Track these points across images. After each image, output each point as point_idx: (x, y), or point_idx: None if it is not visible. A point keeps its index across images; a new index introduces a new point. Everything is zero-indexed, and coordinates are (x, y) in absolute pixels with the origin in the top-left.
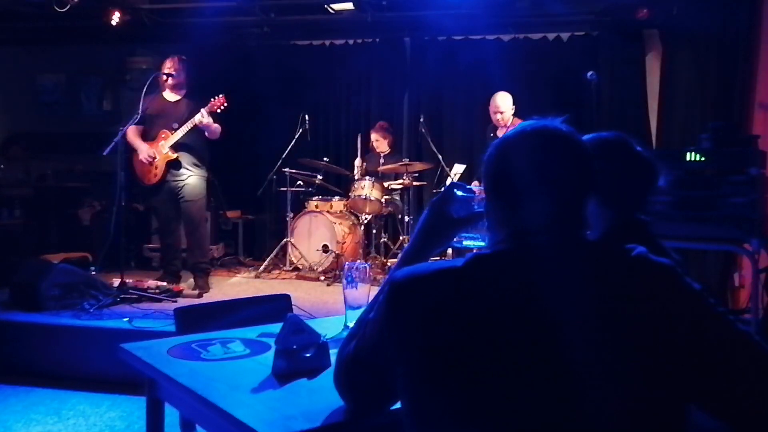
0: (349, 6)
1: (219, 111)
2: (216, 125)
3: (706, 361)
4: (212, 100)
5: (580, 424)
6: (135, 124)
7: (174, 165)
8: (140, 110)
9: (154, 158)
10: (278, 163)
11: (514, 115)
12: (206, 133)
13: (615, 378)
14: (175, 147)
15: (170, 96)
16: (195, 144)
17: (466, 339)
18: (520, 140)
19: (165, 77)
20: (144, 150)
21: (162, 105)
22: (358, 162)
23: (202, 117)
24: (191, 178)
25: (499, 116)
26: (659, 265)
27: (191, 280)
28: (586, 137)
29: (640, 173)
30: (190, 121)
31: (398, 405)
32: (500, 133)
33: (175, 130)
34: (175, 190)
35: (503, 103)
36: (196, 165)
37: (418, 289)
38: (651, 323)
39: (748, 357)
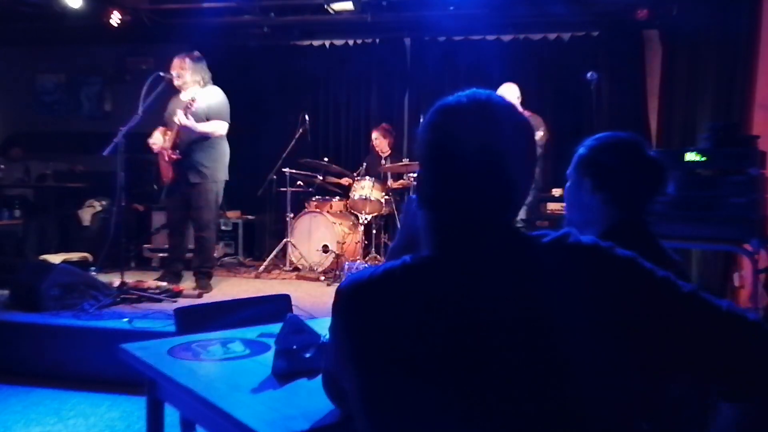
0: (349, 6)
1: (188, 114)
2: (206, 126)
3: (653, 326)
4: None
5: (539, 420)
6: (160, 126)
7: (183, 168)
8: (140, 110)
9: (166, 155)
10: (278, 164)
11: (522, 105)
12: (201, 133)
13: (573, 368)
14: (184, 150)
15: (184, 95)
16: (204, 149)
17: (413, 345)
18: (455, 108)
19: (169, 78)
20: (157, 144)
21: (175, 105)
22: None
23: (179, 119)
24: (202, 183)
25: None
26: (586, 246)
27: (192, 281)
28: (601, 135)
29: (651, 176)
30: (174, 122)
31: None
32: None
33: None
34: (185, 195)
35: (506, 93)
36: (206, 170)
37: (362, 296)
38: (600, 305)
39: (695, 315)
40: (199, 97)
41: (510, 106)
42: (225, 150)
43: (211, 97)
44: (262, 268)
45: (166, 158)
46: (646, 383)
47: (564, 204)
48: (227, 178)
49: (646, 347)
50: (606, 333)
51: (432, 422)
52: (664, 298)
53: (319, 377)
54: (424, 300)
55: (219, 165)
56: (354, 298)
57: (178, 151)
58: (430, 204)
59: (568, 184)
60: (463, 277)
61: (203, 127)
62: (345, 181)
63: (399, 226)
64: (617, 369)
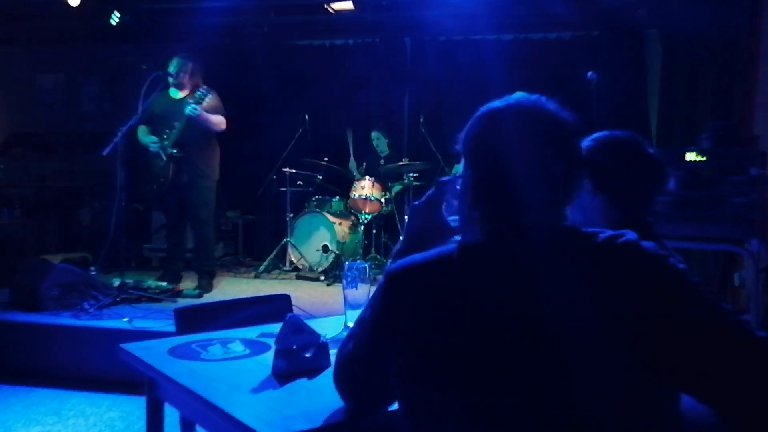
0: (349, 6)
1: (205, 101)
2: (216, 117)
3: (693, 345)
4: (196, 93)
5: (574, 413)
6: (142, 124)
7: (181, 167)
8: (140, 110)
9: (163, 156)
10: (278, 163)
11: None
12: (210, 126)
13: (607, 367)
14: (181, 148)
15: (175, 94)
16: (202, 148)
17: (460, 330)
18: (503, 114)
19: (169, 77)
20: (154, 144)
21: (166, 104)
22: (351, 164)
23: (193, 109)
24: (199, 181)
25: None
26: (645, 251)
27: (194, 281)
28: (598, 135)
29: (650, 174)
30: (183, 118)
31: (395, 405)
32: None
33: (175, 128)
34: (183, 193)
35: None
36: (203, 169)
37: (414, 279)
38: (639, 310)
39: (735, 340)
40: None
41: (548, 112)
42: (218, 150)
43: (209, 96)
44: (262, 268)
45: (164, 157)
46: (667, 393)
47: None
48: (218, 179)
49: (674, 359)
50: (637, 337)
51: (468, 403)
52: (705, 315)
53: (319, 377)
54: (472, 284)
55: (215, 165)
56: (406, 280)
57: (177, 149)
58: (474, 199)
59: None
60: (506, 267)
61: (214, 119)
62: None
63: (403, 228)
64: (640, 374)
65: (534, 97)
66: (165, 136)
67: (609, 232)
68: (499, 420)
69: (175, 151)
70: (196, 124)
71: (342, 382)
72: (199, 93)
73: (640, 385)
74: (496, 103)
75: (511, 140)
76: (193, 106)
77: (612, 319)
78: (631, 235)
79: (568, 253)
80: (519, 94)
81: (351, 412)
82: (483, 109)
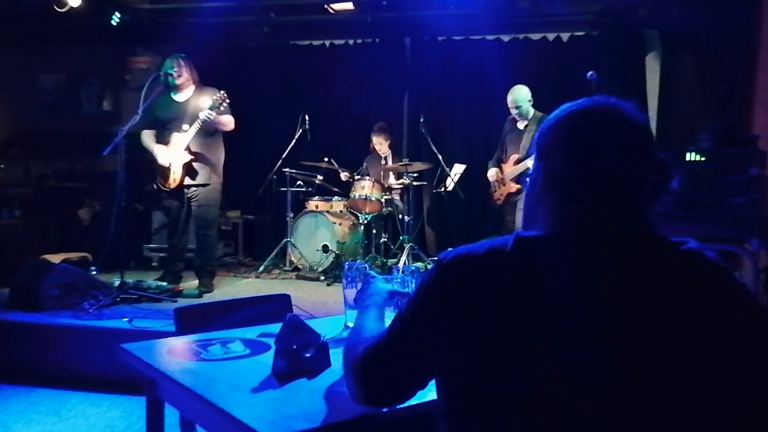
0: (349, 6)
1: (222, 107)
2: (226, 117)
3: (743, 361)
4: (213, 98)
5: (619, 415)
6: (145, 128)
7: (190, 170)
8: (140, 110)
9: (170, 164)
10: (278, 164)
11: (534, 107)
12: (220, 127)
13: (651, 371)
14: (190, 151)
15: (178, 97)
16: (210, 150)
17: (508, 323)
18: (576, 115)
19: (167, 77)
20: (161, 154)
21: (170, 107)
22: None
23: (208, 115)
24: (205, 183)
25: (515, 111)
26: (708, 261)
27: (194, 281)
28: None
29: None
30: (196, 122)
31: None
32: (520, 126)
33: (186, 131)
34: (189, 195)
35: (518, 96)
36: (211, 171)
37: (465, 267)
38: (695, 321)
39: None
40: (203, 97)
41: (626, 114)
42: (223, 151)
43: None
44: (262, 268)
45: (168, 162)
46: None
47: None
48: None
49: (721, 370)
50: (688, 347)
51: (514, 397)
52: (758, 331)
53: (319, 377)
54: (525, 277)
55: (220, 166)
56: (456, 267)
57: (188, 152)
58: (541, 193)
59: None
60: (562, 263)
61: (224, 119)
62: (344, 176)
63: (404, 228)
64: (684, 382)
65: (613, 99)
66: (175, 140)
67: (674, 239)
68: (544, 415)
69: (188, 160)
70: (207, 126)
71: (364, 375)
72: (215, 99)
73: (678, 392)
74: (573, 103)
75: (584, 138)
76: (208, 112)
77: (664, 326)
78: (693, 243)
79: (627, 254)
80: (601, 97)
81: (367, 407)
82: (561, 108)
